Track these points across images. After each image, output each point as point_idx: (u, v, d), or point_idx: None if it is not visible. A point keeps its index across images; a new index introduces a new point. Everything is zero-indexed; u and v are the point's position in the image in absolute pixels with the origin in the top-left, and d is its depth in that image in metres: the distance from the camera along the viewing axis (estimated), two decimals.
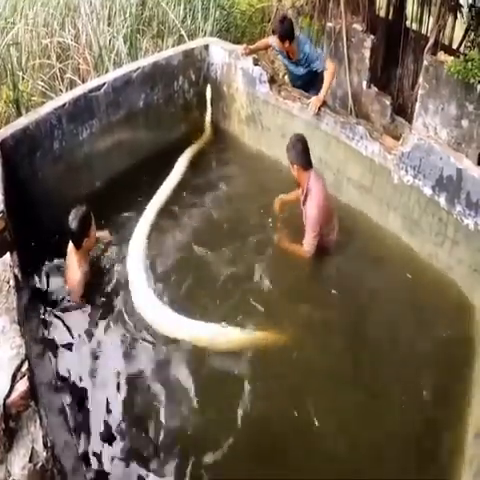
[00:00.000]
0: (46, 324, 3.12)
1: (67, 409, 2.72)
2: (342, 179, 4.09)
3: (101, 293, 3.32)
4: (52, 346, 3.02)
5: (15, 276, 2.36)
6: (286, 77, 5.05)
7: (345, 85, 5.44)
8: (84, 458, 2.54)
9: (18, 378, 1.85)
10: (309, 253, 3.44)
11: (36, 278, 3.34)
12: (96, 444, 2.61)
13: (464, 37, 4.84)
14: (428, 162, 3.41)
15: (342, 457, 2.56)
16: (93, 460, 2.54)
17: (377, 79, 5.43)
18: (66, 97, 3.94)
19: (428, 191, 3.46)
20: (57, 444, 2.12)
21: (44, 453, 1.80)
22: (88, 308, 3.22)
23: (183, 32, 5.70)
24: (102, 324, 3.16)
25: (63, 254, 3.34)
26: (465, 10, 4.70)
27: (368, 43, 5.12)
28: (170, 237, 3.82)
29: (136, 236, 3.67)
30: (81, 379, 2.89)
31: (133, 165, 4.42)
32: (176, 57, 4.66)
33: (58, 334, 3.11)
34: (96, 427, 2.68)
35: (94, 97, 4.04)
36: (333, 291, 3.44)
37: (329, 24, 5.36)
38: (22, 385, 1.85)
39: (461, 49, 4.90)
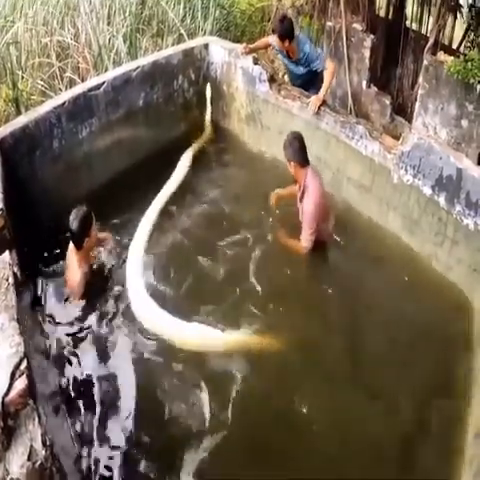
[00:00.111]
0: (45, 323, 3.12)
1: (66, 408, 2.72)
2: (342, 178, 4.09)
3: (101, 293, 3.31)
4: (51, 345, 3.01)
5: (14, 274, 2.35)
6: (286, 76, 5.05)
7: (345, 85, 5.44)
8: (83, 457, 2.53)
9: (17, 376, 1.84)
10: (306, 249, 3.48)
11: (36, 277, 3.33)
12: (95, 443, 2.60)
13: (464, 37, 4.85)
14: (428, 162, 3.41)
15: (341, 457, 2.56)
16: (92, 459, 2.54)
17: (377, 79, 5.44)
18: (65, 96, 3.93)
19: (428, 191, 3.46)
20: (56, 442, 2.12)
21: (43, 451, 1.79)
22: (87, 308, 3.21)
23: (183, 31, 5.70)
24: (101, 324, 3.14)
25: (63, 253, 3.34)
26: (465, 10, 4.71)
27: (368, 43, 5.12)
28: (170, 237, 3.81)
29: (136, 239, 3.64)
30: (80, 378, 2.88)
31: (133, 164, 4.42)
32: (176, 56, 4.65)
33: (57, 333, 3.10)
34: (95, 426, 2.67)
35: (94, 96, 4.04)
36: (332, 291, 3.43)
37: (329, 23, 5.36)
38: (21, 383, 1.84)
39: (461, 49, 4.91)
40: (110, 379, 2.89)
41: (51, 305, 3.23)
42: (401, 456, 2.57)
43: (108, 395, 2.81)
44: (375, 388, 2.89)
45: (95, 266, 3.41)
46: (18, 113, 4.55)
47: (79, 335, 3.10)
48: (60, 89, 5.01)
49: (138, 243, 3.62)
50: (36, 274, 3.36)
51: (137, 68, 4.35)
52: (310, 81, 4.46)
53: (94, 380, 2.88)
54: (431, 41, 4.72)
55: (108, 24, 5.53)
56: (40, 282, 3.34)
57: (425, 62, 4.46)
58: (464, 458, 2.47)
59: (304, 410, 2.73)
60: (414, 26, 5.50)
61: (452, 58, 4.23)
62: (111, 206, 3.84)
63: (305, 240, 3.46)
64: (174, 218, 3.99)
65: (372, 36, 5.12)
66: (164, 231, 3.83)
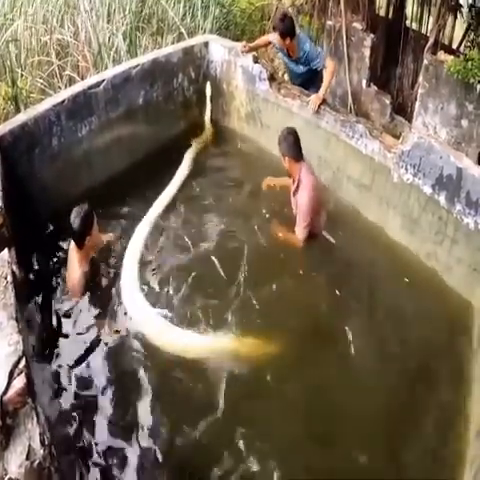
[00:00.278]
0: (44, 321, 3.11)
1: (64, 407, 2.71)
2: (342, 177, 4.08)
3: (101, 293, 3.29)
4: (50, 343, 3.00)
5: (13, 272, 2.34)
6: (286, 75, 5.05)
7: (345, 84, 5.44)
8: (82, 456, 2.52)
9: (15, 375, 1.83)
10: (302, 241, 3.57)
11: (34, 275, 3.32)
12: (94, 442, 2.59)
13: (464, 37, 4.85)
14: (428, 161, 3.40)
15: (345, 458, 2.56)
16: (91, 458, 2.53)
17: (377, 78, 5.44)
18: (65, 94, 3.92)
19: (428, 190, 3.45)
20: (54, 442, 2.11)
21: (41, 451, 1.78)
22: (87, 307, 3.20)
23: (183, 30, 5.70)
24: (100, 323, 3.14)
25: (62, 251, 3.33)
26: (465, 10, 4.70)
27: (368, 42, 5.12)
28: (169, 238, 3.79)
29: (133, 243, 3.60)
30: (79, 377, 2.87)
31: (132, 162, 4.41)
32: (176, 54, 4.64)
33: (56, 331, 3.10)
34: (94, 425, 2.67)
35: (93, 94, 4.03)
36: (332, 290, 3.42)
37: (329, 22, 5.36)
38: (19, 382, 1.83)
39: (461, 49, 4.91)
40: (109, 378, 2.88)
41: (50, 304, 3.22)
42: (401, 457, 2.56)
43: (107, 394, 2.80)
44: (373, 388, 2.88)
45: (95, 265, 3.40)
46: (17, 111, 4.54)
47: (78, 334, 3.09)
48: (60, 87, 4.99)
49: (136, 243, 3.60)
50: (35, 272, 3.35)
51: (137, 66, 4.34)
52: (310, 80, 4.46)
53: (93, 379, 2.87)
54: (431, 41, 4.72)
55: (108, 22, 5.53)
56: (39, 280, 3.33)
57: (425, 61, 4.45)
58: (466, 457, 2.47)
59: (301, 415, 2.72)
60: (414, 26, 5.51)
61: (452, 58, 4.23)
62: (110, 204, 3.84)
63: (300, 232, 3.56)
64: (174, 218, 3.97)
65: (372, 35, 5.12)
66: (163, 232, 3.82)
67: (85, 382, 2.85)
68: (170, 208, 4.03)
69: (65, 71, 5.15)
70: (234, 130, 5.05)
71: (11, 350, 1.91)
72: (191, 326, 3.07)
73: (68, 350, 3.00)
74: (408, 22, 5.49)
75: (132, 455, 2.55)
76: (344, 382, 2.89)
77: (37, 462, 1.75)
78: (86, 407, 2.74)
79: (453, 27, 5.13)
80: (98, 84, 4.06)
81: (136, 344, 3.01)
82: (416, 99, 4.72)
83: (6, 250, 2.42)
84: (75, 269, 3.18)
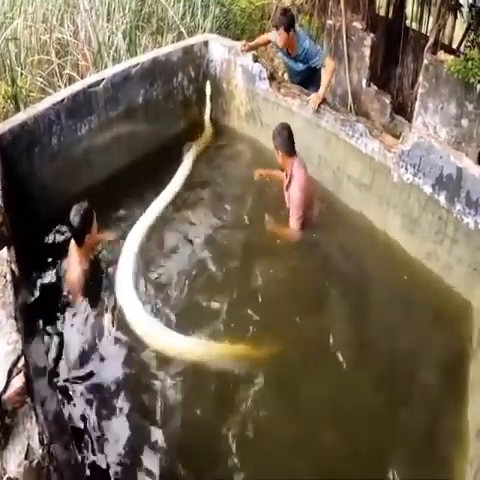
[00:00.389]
0: (43, 320, 3.10)
1: (63, 406, 2.71)
2: (342, 177, 4.08)
3: (100, 292, 3.29)
4: (49, 342, 3.00)
5: (12, 271, 2.33)
6: (286, 75, 5.04)
7: (345, 83, 5.44)
8: (81, 456, 2.52)
9: (14, 374, 1.82)
10: (296, 233, 3.66)
11: (34, 274, 3.32)
12: (93, 442, 2.59)
13: (464, 37, 4.85)
14: (428, 160, 3.40)
15: (343, 458, 2.55)
16: (90, 458, 2.53)
17: (377, 78, 5.43)
18: (65, 93, 3.92)
19: (428, 189, 3.45)
20: (53, 441, 2.10)
21: (40, 450, 1.78)
22: (86, 306, 3.19)
23: (182, 29, 5.70)
24: (99, 322, 3.13)
25: (61, 250, 3.32)
26: (465, 10, 4.69)
27: (368, 41, 5.12)
28: (168, 237, 3.79)
29: (129, 243, 3.58)
30: (78, 376, 2.87)
31: (132, 161, 4.40)
32: (175, 53, 4.64)
33: (55, 330, 3.09)
34: (93, 425, 2.66)
35: (93, 93, 4.02)
36: (331, 290, 3.42)
37: (329, 22, 5.36)
38: (18, 381, 1.82)
39: (461, 49, 4.90)
40: (109, 377, 2.88)
41: (49, 302, 3.21)
42: (402, 457, 2.56)
43: (107, 393, 2.80)
44: (373, 393, 2.87)
45: (95, 263, 3.39)
46: (17, 110, 4.53)
47: (77, 332, 3.08)
48: (59, 86, 4.99)
49: (133, 242, 3.59)
50: (34, 271, 3.34)
51: (137, 65, 4.34)
52: (309, 78, 4.45)
53: (92, 378, 2.87)
54: (431, 40, 4.71)
55: (107, 21, 5.52)
56: (38, 279, 3.32)
57: (425, 61, 4.44)
58: (466, 458, 2.46)
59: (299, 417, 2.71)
60: (414, 25, 5.51)
61: (452, 57, 4.22)
62: (110, 203, 3.83)
63: (294, 225, 3.64)
64: (173, 218, 3.97)
65: (372, 35, 5.12)
66: (162, 232, 3.81)
67: (84, 381, 2.85)
68: (169, 208, 4.02)
69: (65, 70, 5.14)
70: (234, 129, 5.04)
71: (10, 349, 1.90)
72: (187, 327, 3.07)
73: (67, 349, 3.00)
74: (408, 22, 5.50)
75: (132, 455, 2.55)
76: (344, 382, 2.89)
77: (36, 461, 1.75)
78: (86, 406, 2.74)
79: (453, 27, 5.13)
80: (98, 83, 4.05)
81: (135, 344, 3.00)
82: (416, 99, 4.72)
83: (5, 249, 2.41)
84: (75, 267, 3.17)
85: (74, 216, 3.06)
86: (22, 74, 5.00)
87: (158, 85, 4.58)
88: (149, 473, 2.48)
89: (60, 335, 3.08)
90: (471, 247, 3.26)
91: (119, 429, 2.66)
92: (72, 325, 3.12)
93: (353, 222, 3.94)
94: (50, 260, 3.47)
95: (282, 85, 4.43)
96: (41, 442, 1.80)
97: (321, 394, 2.81)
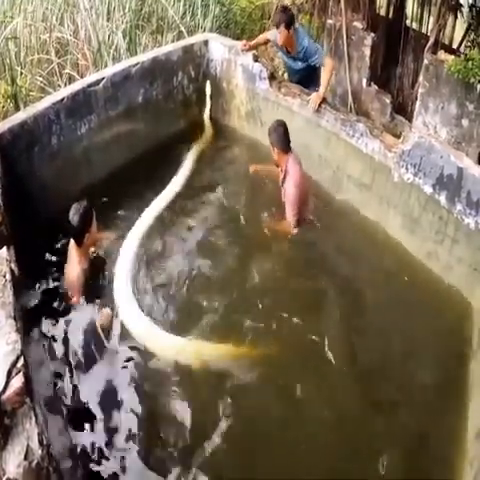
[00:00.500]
0: (43, 320, 3.09)
1: (63, 406, 2.70)
2: (342, 176, 4.07)
3: (100, 290, 3.28)
4: (48, 342, 2.99)
5: (11, 270, 2.33)
6: (286, 74, 5.03)
7: (345, 83, 5.43)
8: (80, 456, 2.51)
9: (13, 374, 1.82)
10: (292, 228, 3.69)
11: (33, 273, 3.31)
12: (93, 442, 2.58)
13: (464, 37, 4.84)
14: (428, 160, 3.39)
15: (343, 458, 2.55)
16: (90, 458, 2.52)
17: (377, 77, 5.43)
18: (65, 92, 3.91)
19: (428, 189, 3.45)
20: (53, 442, 2.10)
21: (39, 451, 1.77)
22: (86, 305, 3.18)
23: (182, 28, 5.69)
24: (99, 321, 3.11)
25: (61, 249, 3.31)
26: (465, 10, 4.69)
27: (368, 41, 5.12)
28: (167, 238, 3.77)
29: (128, 242, 3.58)
30: (78, 376, 2.86)
31: (132, 161, 4.39)
32: (175, 53, 4.63)
33: (54, 330, 3.08)
34: (93, 425, 2.66)
35: (93, 92, 4.02)
36: (330, 290, 3.40)
37: (329, 21, 5.35)
38: (17, 381, 1.82)
39: (461, 49, 4.90)
40: (108, 377, 2.87)
41: (49, 302, 3.20)
42: (402, 457, 2.55)
43: (106, 393, 2.79)
44: (373, 393, 2.87)
45: (94, 263, 3.38)
46: (17, 109, 4.52)
47: (77, 332, 3.07)
48: (59, 86, 4.98)
49: (132, 241, 3.58)
50: (34, 271, 3.33)
51: (137, 64, 4.33)
52: (308, 76, 4.44)
53: (92, 378, 2.86)
54: (431, 40, 4.70)
55: (107, 20, 5.51)
56: (38, 279, 3.31)
57: (425, 61, 4.44)
58: (466, 458, 2.46)
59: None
60: (414, 25, 5.50)
61: (452, 57, 4.22)
62: (110, 203, 3.82)
63: (290, 219, 3.69)
64: (173, 218, 3.96)
65: (372, 34, 5.11)
66: (161, 232, 3.80)
67: (84, 381, 2.84)
68: (169, 208, 4.01)
69: (65, 69, 5.13)
70: (234, 129, 5.03)
71: (9, 349, 1.89)
72: (184, 328, 3.06)
73: (67, 349, 2.99)
74: (408, 22, 5.49)
75: (132, 455, 2.54)
76: (344, 382, 2.88)
77: (35, 462, 1.74)
78: (85, 406, 2.73)
79: (453, 27, 5.12)
80: (98, 82, 4.05)
81: (134, 344, 3.00)
82: (416, 98, 4.71)
83: (5, 248, 2.41)
84: (74, 267, 3.16)
85: (73, 215, 3.05)
86: (22, 73, 4.99)
87: (158, 84, 4.57)
88: (149, 473, 2.47)
89: (59, 335, 3.06)
90: (471, 247, 3.26)
91: (119, 429, 2.65)
92: (72, 324, 3.11)
93: (353, 222, 3.93)
94: (50, 260, 3.47)
95: (282, 85, 4.42)
96: (40, 443, 1.80)
97: (321, 394, 2.80)
